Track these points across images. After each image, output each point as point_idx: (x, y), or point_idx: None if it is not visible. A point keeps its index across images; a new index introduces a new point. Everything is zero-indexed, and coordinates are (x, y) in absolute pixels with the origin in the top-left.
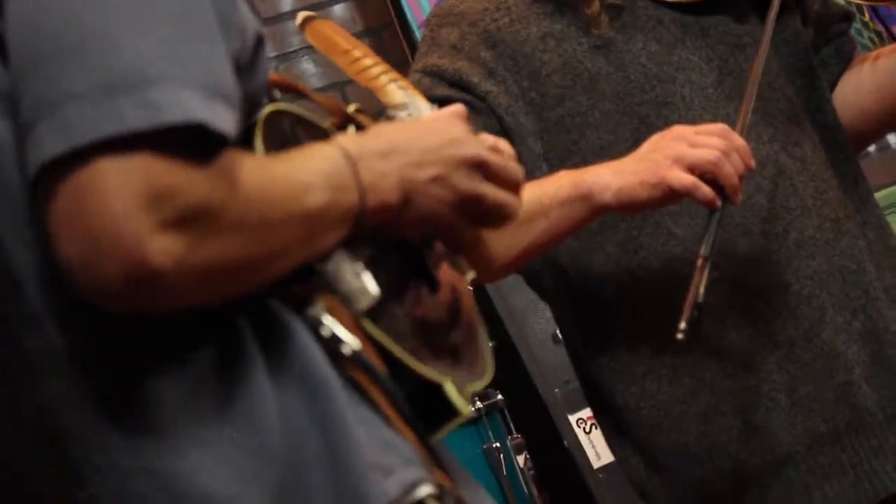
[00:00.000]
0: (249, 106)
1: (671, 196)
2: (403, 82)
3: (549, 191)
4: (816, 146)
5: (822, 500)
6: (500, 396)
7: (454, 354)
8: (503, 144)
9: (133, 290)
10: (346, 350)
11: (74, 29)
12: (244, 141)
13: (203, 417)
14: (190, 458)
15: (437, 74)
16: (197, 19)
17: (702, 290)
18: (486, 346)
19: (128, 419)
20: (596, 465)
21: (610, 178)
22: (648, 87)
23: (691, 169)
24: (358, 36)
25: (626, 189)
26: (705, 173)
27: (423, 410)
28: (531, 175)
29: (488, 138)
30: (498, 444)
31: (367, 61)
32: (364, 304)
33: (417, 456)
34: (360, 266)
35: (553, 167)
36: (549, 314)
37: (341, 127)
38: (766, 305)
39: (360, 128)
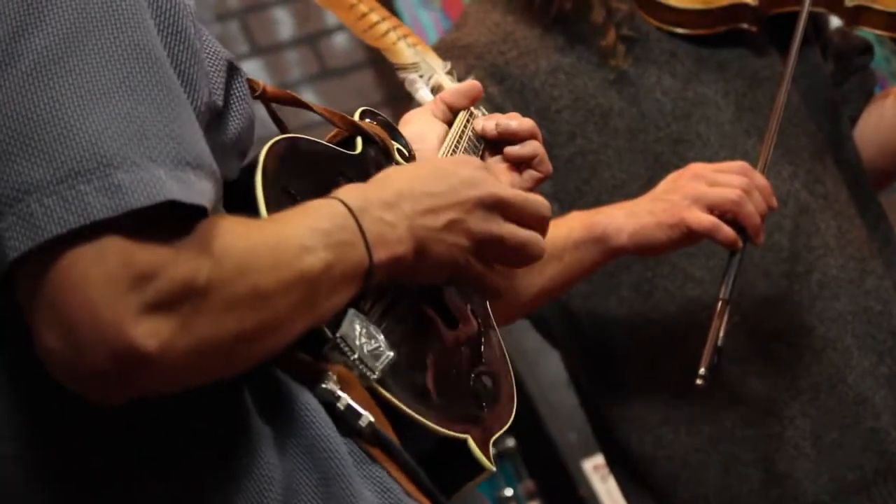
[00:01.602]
0: (239, 144)
1: (690, 237)
2: (413, 38)
3: (561, 233)
4: (839, 183)
5: None
6: (511, 442)
7: (479, 393)
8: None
9: (121, 377)
10: (362, 422)
11: (23, 118)
12: (245, 185)
13: (206, 492)
14: None
15: None
16: (154, 85)
17: (721, 333)
18: (512, 383)
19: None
20: None
21: (624, 219)
22: (663, 123)
23: (711, 209)
24: (361, 66)
25: (643, 231)
26: (726, 213)
27: (446, 466)
28: None
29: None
30: (510, 493)
31: (374, 17)
32: (379, 370)
33: None
34: (372, 326)
35: (564, 207)
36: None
37: (349, 139)
38: (788, 349)
39: (367, 138)
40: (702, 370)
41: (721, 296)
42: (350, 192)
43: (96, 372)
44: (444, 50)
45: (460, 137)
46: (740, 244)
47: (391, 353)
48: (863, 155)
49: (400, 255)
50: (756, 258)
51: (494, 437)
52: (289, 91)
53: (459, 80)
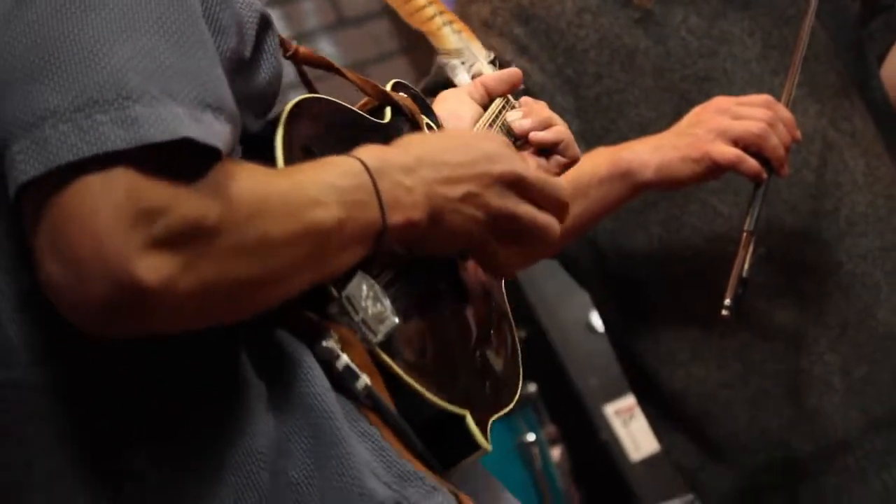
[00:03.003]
0: (265, 99)
1: (714, 171)
2: (459, 25)
3: (586, 169)
4: (866, 121)
5: (881, 488)
6: (533, 387)
7: (481, 378)
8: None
9: (119, 310)
10: (359, 384)
11: (47, 44)
12: (266, 139)
13: (198, 441)
14: (188, 495)
15: None
16: (180, 26)
17: (747, 265)
18: (518, 361)
19: (123, 432)
20: (634, 457)
21: (649, 154)
22: (689, 61)
23: (735, 142)
24: (378, 14)
25: (667, 165)
26: (750, 146)
27: (442, 439)
28: None
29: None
30: (532, 438)
31: (421, 1)
32: (381, 334)
33: (440, 483)
34: (380, 290)
35: (591, 146)
36: (582, 301)
37: (378, 108)
38: (816, 285)
39: (397, 109)
40: (727, 301)
41: (746, 227)
42: (369, 152)
43: (95, 302)
44: None
45: (493, 122)
46: (765, 176)
47: (396, 319)
48: (890, 93)
49: (415, 220)
50: (784, 194)
51: (494, 418)
52: (322, 55)
53: (484, 22)
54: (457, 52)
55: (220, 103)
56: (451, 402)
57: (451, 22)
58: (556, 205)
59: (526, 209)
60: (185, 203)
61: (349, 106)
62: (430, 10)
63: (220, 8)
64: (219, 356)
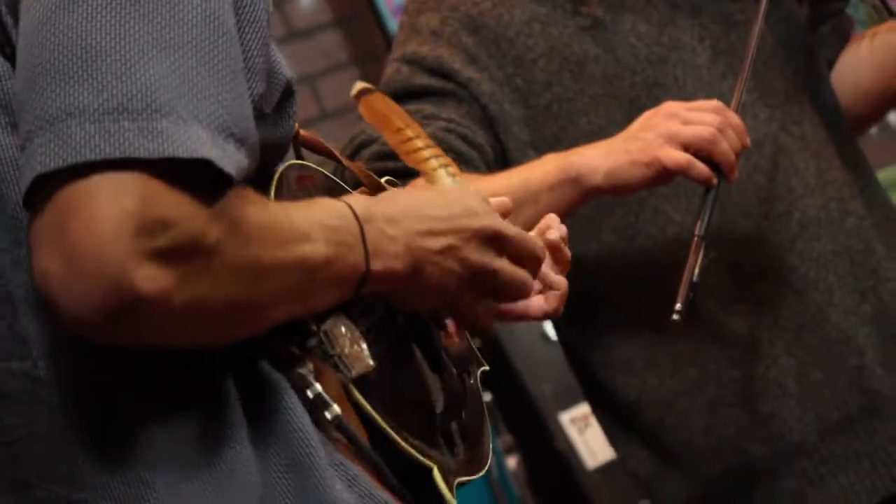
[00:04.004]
0: (271, 156)
1: (664, 175)
2: (454, 168)
3: (536, 176)
4: (817, 125)
5: (838, 492)
6: (488, 397)
7: (450, 441)
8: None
9: (110, 314)
10: (329, 413)
11: (86, 45)
12: (261, 187)
13: (182, 472)
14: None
15: (416, 62)
16: (218, 53)
17: (697, 269)
18: (488, 440)
19: (104, 458)
20: (590, 465)
21: (599, 159)
22: (639, 68)
23: (685, 147)
24: (328, 26)
25: (617, 170)
26: (700, 151)
27: (410, 488)
28: (519, 165)
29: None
30: None
31: (419, 143)
32: (356, 372)
33: None
34: (357, 333)
35: (542, 154)
36: None
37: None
38: (770, 289)
39: None
40: (678, 305)
41: (696, 232)
42: (357, 200)
43: (87, 303)
44: (419, 2)
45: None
46: (715, 181)
47: (372, 362)
48: (840, 98)
49: (396, 270)
50: (736, 199)
51: (460, 480)
52: (323, 142)
53: (433, 32)
54: None
55: (243, 134)
56: (419, 451)
57: (447, 165)
58: (531, 260)
59: (502, 264)
60: (191, 220)
61: (341, 183)
62: (427, 153)
63: (255, 52)
64: (206, 381)
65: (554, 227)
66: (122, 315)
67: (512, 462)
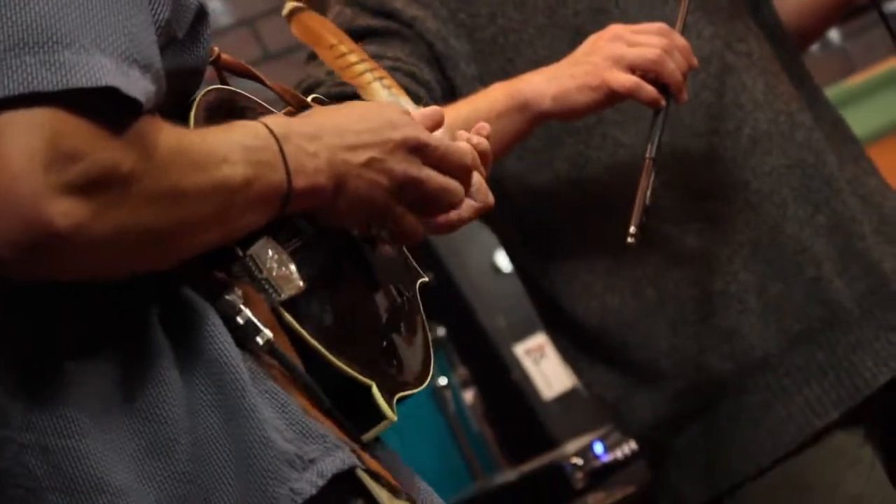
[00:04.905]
0: (188, 82)
1: (612, 98)
2: (389, 81)
3: (483, 105)
4: (762, 41)
5: (803, 404)
6: (442, 331)
7: (388, 358)
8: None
9: (28, 251)
10: (260, 339)
11: None
12: (180, 117)
13: (105, 404)
14: (87, 441)
15: (358, 4)
16: None
17: (649, 192)
18: (429, 352)
19: (28, 395)
20: (547, 395)
21: (546, 84)
22: None
23: (632, 69)
24: (235, 26)
25: (565, 94)
26: (647, 72)
27: (346, 410)
28: None
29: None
30: (444, 382)
31: (353, 57)
32: (286, 293)
33: (343, 441)
34: (286, 255)
35: None
36: (486, 242)
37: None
38: (724, 206)
39: None
40: (632, 228)
41: (647, 154)
42: (274, 120)
43: (3, 241)
44: None
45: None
46: (663, 103)
47: (301, 283)
48: (784, 15)
49: (319, 185)
50: (685, 118)
51: (402, 395)
52: (244, 63)
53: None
54: None
55: (147, 61)
56: (356, 370)
57: (381, 78)
58: (459, 168)
59: (429, 173)
60: (102, 150)
61: (261, 101)
62: (362, 67)
63: None
64: (130, 312)
65: (481, 131)
66: (40, 251)
67: (469, 396)
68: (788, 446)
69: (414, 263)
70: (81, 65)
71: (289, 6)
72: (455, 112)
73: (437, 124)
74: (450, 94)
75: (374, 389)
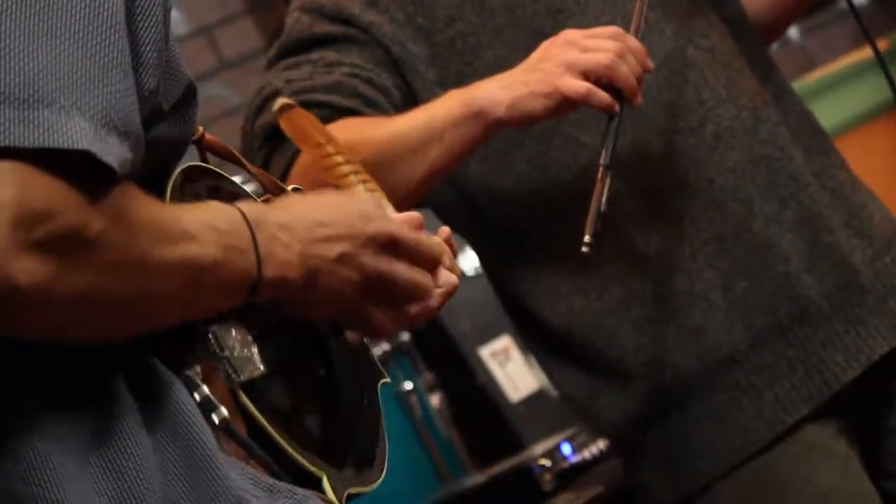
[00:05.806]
0: (169, 154)
1: (566, 105)
2: (372, 185)
3: (439, 113)
4: (725, 36)
5: (772, 401)
6: (406, 336)
7: (343, 452)
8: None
9: None
10: (216, 416)
11: None
12: (156, 187)
13: (78, 456)
14: (61, 490)
15: (315, 10)
16: (104, 44)
17: (604, 199)
18: (384, 452)
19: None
20: (513, 398)
21: (500, 92)
22: None
23: (585, 75)
24: (192, 36)
25: (519, 102)
26: (600, 78)
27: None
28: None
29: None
30: (409, 386)
31: (338, 158)
32: (245, 375)
33: (311, 493)
34: (249, 337)
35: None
36: None
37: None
38: (687, 204)
39: None
40: (586, 237)
41: (601, 161)
42: (250, 206)
43: None
44: None
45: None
46: (617, 108)
47: (262, 367)
48: (748, 10)
49: (289, 278)
50: (647, 116)
51: (352, 491)
52: (229, 147)
53: None
54: None
55: (127, 128)
56: (309, 460)
57: (365, 181)
58: (430, 262)
59: (399, 268)
60: (71, 211)
61: (239, 185)
62: (346, 168)
63: (151, 46)
64: (95, 375)
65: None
66: (1, 306)
67: (435, 400)
68: (758, 444)
69: (377, 361)
70: (59, 125)
71: (279, 102)
72: (412, 120)
73: (417, 228)
74: (409, 98)
75: (325, 482)
